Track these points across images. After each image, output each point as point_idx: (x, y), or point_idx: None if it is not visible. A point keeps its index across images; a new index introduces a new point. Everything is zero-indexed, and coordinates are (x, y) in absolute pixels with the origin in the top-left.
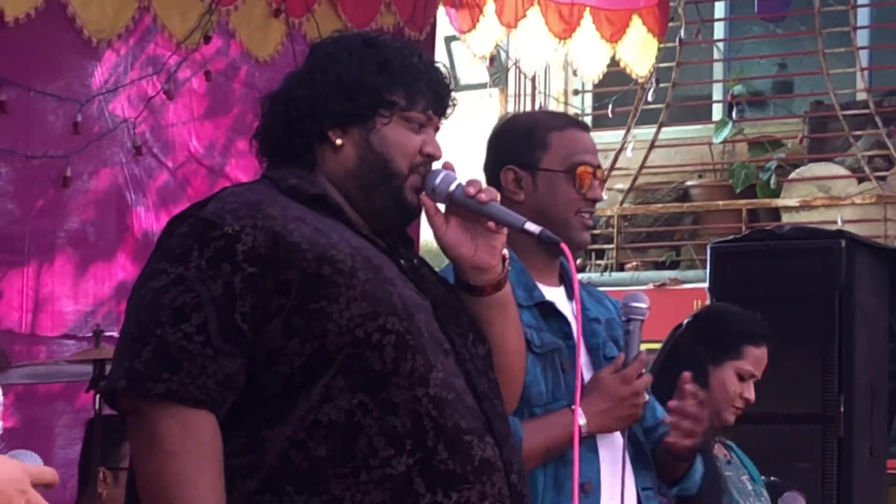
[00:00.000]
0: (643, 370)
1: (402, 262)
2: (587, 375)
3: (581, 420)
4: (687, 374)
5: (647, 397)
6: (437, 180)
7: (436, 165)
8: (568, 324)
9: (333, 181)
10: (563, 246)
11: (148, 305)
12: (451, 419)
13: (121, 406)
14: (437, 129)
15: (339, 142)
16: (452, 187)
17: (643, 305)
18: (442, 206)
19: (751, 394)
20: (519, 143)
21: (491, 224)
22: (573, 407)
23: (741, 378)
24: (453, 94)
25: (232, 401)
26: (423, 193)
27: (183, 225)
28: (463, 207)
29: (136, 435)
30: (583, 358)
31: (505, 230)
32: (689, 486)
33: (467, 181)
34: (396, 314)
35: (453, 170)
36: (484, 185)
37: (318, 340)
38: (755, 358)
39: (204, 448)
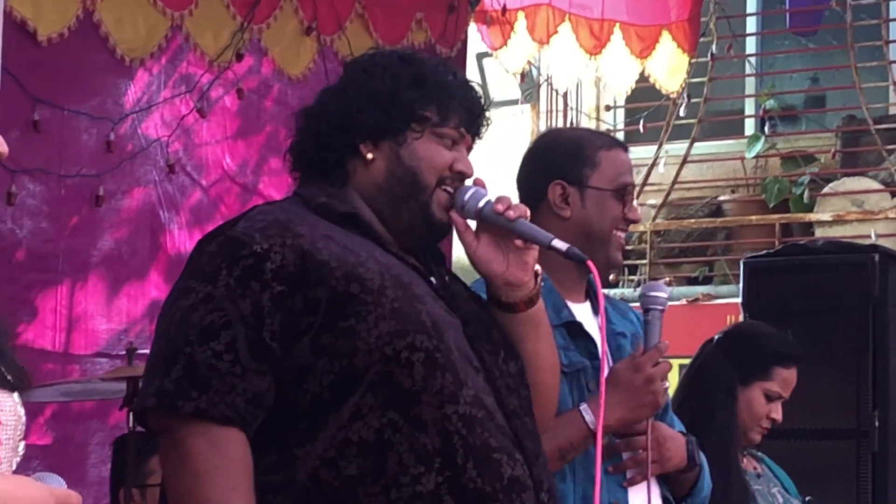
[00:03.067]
0: (660, 360)
1: (432, 279)
2: None
3: (587, 416)
4: None
5: (665, 384)
6: (467, 196)
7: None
8: (594, 343)
9: (364, 196)
10: (590, 264)
11: (177, 324)
12: (481, 437)
13: (151, 425)
14: (470, 148)
15: (370, 156)
16: (481, 203)
17: (662, 295)
18: (473, 223)
19: (778, 414)
20: (567, 158)
21: (519, 241)
22: (582, 405)
23: (769, 398)
24: (488, 113)
25: (262, 419)
26: (454, 210)
27: (212, 244)
28: (493, 224)
29: (167, 453)
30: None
31: (536, 247)
32: (697, 503)
33: (496, 198)
34: (426, 332)
35: (484, 186)
36: (514, 201)
37: (347, 359)
38: (783, 379)
39: (234, 466)
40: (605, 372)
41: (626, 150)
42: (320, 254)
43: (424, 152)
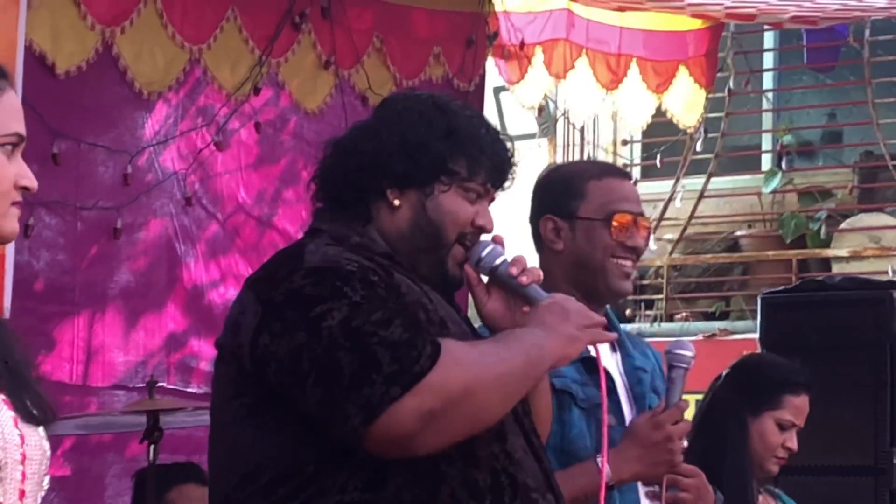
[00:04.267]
0: (681, 418)
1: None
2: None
3: (606, 468)
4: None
5: (683, 443)
6: (484, 253)
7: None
8: (610, 378)
9: (385, 239)
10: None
11: (343, 336)
12: (521, 477)
13: (391, 415)
14: (492, 200)
15: (396, 202)
16: (497, 262)
17: (688, 353)
18: (486, 277)
19: (793, 443)
20: (558, 192)
21: (526, 308)
22: (599, 457)
23: (781, 428)
24: (515, 167)
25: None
26: (468, 264)
27: (297, 279)
28: (504, 284)
29: (441, 400)
30: (627, 408)
31: None
32: None
33: (512, 259)
34: None
35: (503, 244)
36: (529, 264)
37: None
38: (795, 407)
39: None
40: (625, 405)
41: (623, 177)
42: (394, 278)
43: (450, 207)
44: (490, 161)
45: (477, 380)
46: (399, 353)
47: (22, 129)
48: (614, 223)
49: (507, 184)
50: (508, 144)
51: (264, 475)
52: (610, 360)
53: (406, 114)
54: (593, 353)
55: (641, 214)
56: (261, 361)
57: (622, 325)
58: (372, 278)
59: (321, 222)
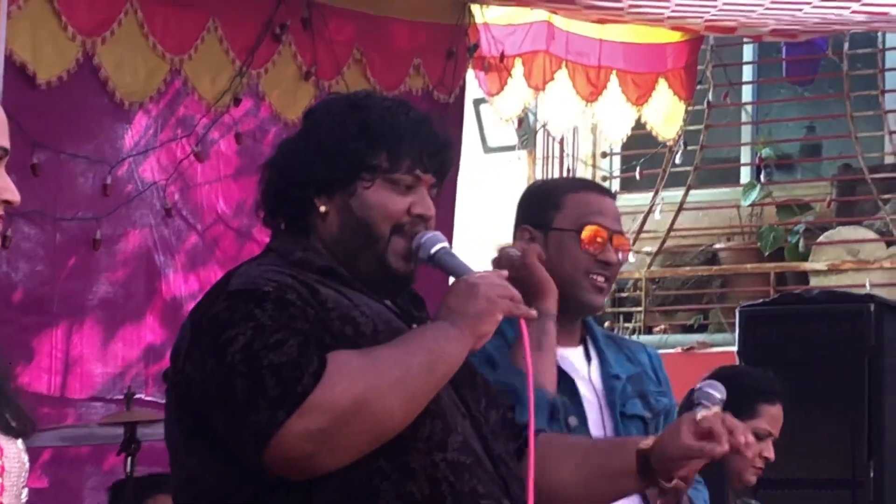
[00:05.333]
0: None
1: (414, 325)
2: (605, 431)
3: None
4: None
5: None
6: (423, 240)
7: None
8: (572, 382)
9: (326, 248)
10: (522, 323)
11: (243, 362)
12: (469, 484)
13: (281, 440)
14: (432, 186)
15: (323, 209)
16: (434, 249)
17: (717, 395)
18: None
19: (769, 453)
20: (536, 204)
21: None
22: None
23: (758, 437)
24: (449, 148)
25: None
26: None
27: (217, 304)
28: (443, 270)
29: (329, 416)
30: (604, 414)
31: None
32: None
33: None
34: None
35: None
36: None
37: None
38: (770, 416)
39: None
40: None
41: (602, 192)
42: (319, 294)
43: (376, 201)
44: (414, 148)
45: (368, 389)
46: (282, 376)
47: (7, 143)
48: (584, 235)
49: (445, 166)
50: (437, 127)
51: (207, 498)
52: (583, 367)
53: (322, 119)
54: (562, 362)
55: (618, 231)
56: (187, 388)
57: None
58: (288, 297)
59: (273, 240)
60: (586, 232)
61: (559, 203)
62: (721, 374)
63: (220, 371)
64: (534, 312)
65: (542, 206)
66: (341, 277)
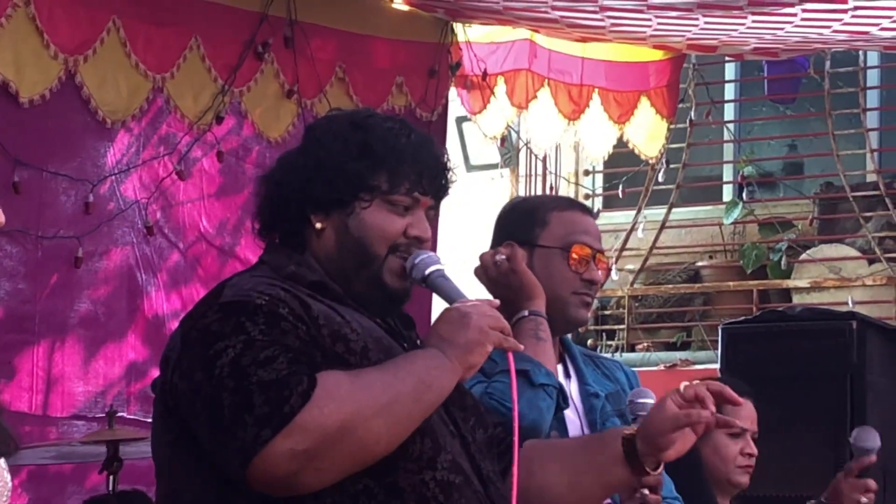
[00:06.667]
0: None
1: (405, 344)
2: None
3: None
4: None
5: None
6: (417, 260)
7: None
8: (565, 397)
9: (320, 264)
10: (510, 355)
11: (230, 376)
12: (458, 503)
13: (265, 458)
14: (431, 207)
15: (319, 226)
16: (428, 271)
17: (650, 402)
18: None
19: (751, 448)
20: (521, 221)
21: None
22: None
23: (733, 436)
24: (449, 172)
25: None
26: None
27: (208, 315)
28: (437, 292)
29: (315, 438)
30: (584, 432)
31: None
32: None
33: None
34: None
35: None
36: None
37: None
38: (738, 413)
39: (344, 375)
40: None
41: (586, 212)
42: (311, 310)
43: (373, 222)
44: (413, 170)
45: (356, 413)
46: (271, 394)
47: None
48: (573, 254)
49: (443, 189)
50: (437, 150)
51: None
52: (564, 385)
53: (323, 137)
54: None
55: (601, 251)
56: (175, 399)
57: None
58: (280, 311)
59: (265, 253)
60: (575, 251)
61: (545, 220)
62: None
63: (209, 384)
64: (521, 346)
65: (526, 223)
66: (333, 293)
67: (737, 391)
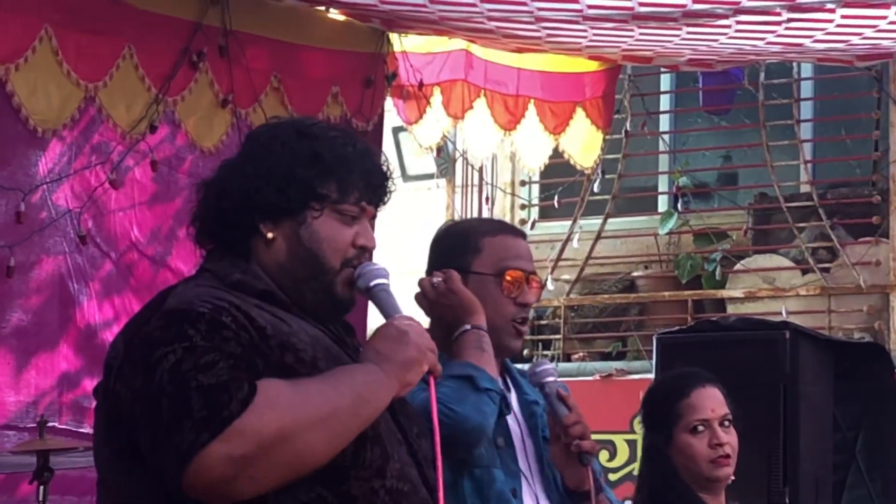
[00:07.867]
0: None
1: (349, 353)
2: (527, 454)
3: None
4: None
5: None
6: (363, 271)
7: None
8: (508, 406)
9: (268, 273)
10: (430, 379)
11: (171, 382)
12: None
13: (201, 462)
14: (373, 217)
15: (270, 235)
16: (372, 283)
17: (549, 366)
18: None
19: (718, 437)
20: (453, 247)
21: None
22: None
23: (695, 431)
24: (391, 181)
25: None
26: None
27: (151, 323)
28: (374, 303)
29: (252, 444)
30: (525, 438)
31: None
32: None
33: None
34: None
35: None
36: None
37: None
38: (692, 407)
39: (285, 384)
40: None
41: (517, 235)
42: (256, 321)
43: (325, 232)
44: (361, 179)
45: (295, 423)
46: (210, 399)
47: None
48: (507, 278)
49: (384, 199)
50: (381, 159)
51: None
52: (505, 395)
53: (270, 145)
54: None
55: (533, 272)
56: (117, 405)
57: (517, 366)
58: (223, 319)
59: (207, 261)
60: (508, 276)
61: (478, 246)
62: (643, 400)
63: (149, 389)
64: (440, 368)
65: (459, 249)
66: (280, 302)
67: (701, 379)
